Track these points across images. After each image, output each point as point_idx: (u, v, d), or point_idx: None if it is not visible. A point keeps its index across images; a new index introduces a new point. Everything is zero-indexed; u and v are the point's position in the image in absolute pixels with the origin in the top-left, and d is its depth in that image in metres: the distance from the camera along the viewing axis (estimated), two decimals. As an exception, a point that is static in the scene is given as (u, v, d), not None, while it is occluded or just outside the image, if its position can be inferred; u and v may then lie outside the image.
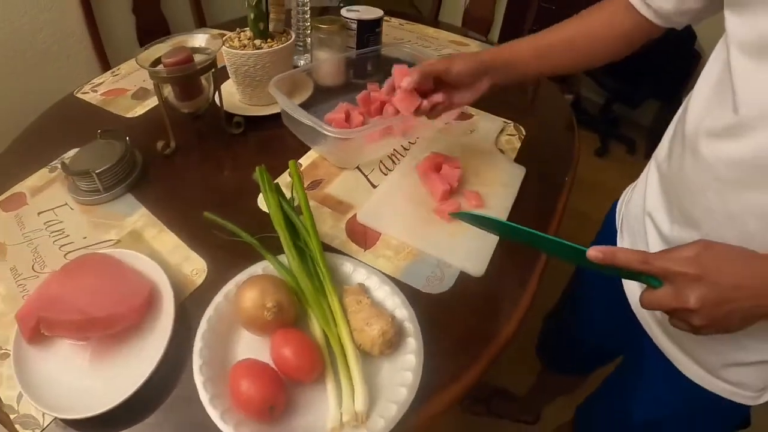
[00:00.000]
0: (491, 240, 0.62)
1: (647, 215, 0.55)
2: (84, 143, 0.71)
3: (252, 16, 0.76)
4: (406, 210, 0.67)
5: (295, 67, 0.87)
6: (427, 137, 0.81)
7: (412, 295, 0.54)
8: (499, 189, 0.71)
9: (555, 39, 0.60)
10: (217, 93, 0.75)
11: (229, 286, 0.52)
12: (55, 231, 0.63)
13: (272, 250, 0.55)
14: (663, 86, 1.97)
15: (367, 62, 0.93)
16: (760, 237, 0.40)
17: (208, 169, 0.76)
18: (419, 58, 0.86)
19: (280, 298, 0.48)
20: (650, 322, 0.56)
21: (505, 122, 0.87)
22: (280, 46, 0.78)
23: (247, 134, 0.81)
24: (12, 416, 0.46)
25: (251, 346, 0.50)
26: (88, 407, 0.44)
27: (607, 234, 0.67)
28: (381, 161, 0.76)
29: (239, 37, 0.80)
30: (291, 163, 0.61)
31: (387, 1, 1.18)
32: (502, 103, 0.90)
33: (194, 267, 0.59)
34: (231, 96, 0.84)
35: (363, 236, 0.63)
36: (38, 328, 0.47)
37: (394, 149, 0.79)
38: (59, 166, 0.72)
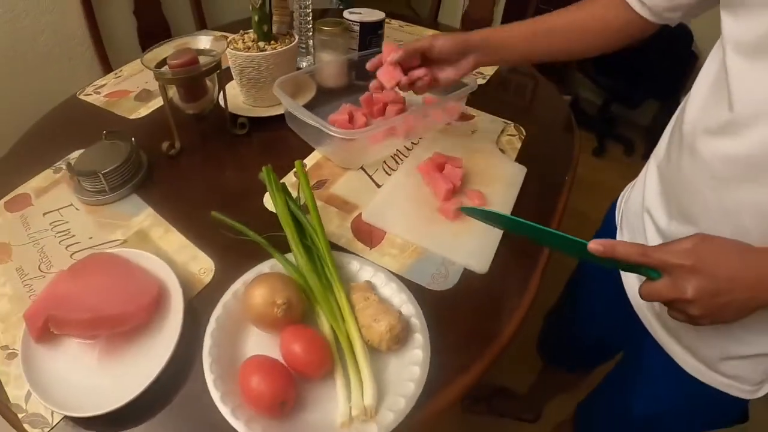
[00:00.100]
0: (494, 238, 0.63)
1: (646, 212, 0.56)
2: (88, 145, 0.71)
3: (256, 18, 0.77)
4: (411, 209, 0.68)
5: (298, 68, 0.88)
6: (429, 138, 0.82)
7: (418, 292, 0.55)
8: (501, 188, 0.72)
9: (547, 27, 0.62)
10: (221, 94, 0.76)
11: (238, 285, 0.53)
12: (61, 231, 0.63)
13: (279, 249, 0.55)
14: (661, 87, 1.98)
15: (370, 64, 0.94)
16: (755, 231, 0.41)
17: (213, 170, 0.76)
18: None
19: (289, 294, 0.48)
20: (649, 316, 0.57)
21: (505, 123, 0.88)
22: (284, 48, 0.79)
23: (251, 135, 0.81)
24: (20, 415, 0.46)
25: (260, 344, 0.50)
26: (97, 405, 0.44)
27: (607, 231, 0.68)
28: (384, 161, 0.77)
29: (243, 39, 0.80)
30: (297, 163, 0.61)
31: (384, 3, 1.19)
32: (503, 104, 0.91)
33: (202, 266, 0.59)
34: (235, 97, 0.85)
35: (368, 235, 0.64)
36: (46, 327, 0.48)
37: (397, 150, 0.79)
38: (64, 166, 0.72)
